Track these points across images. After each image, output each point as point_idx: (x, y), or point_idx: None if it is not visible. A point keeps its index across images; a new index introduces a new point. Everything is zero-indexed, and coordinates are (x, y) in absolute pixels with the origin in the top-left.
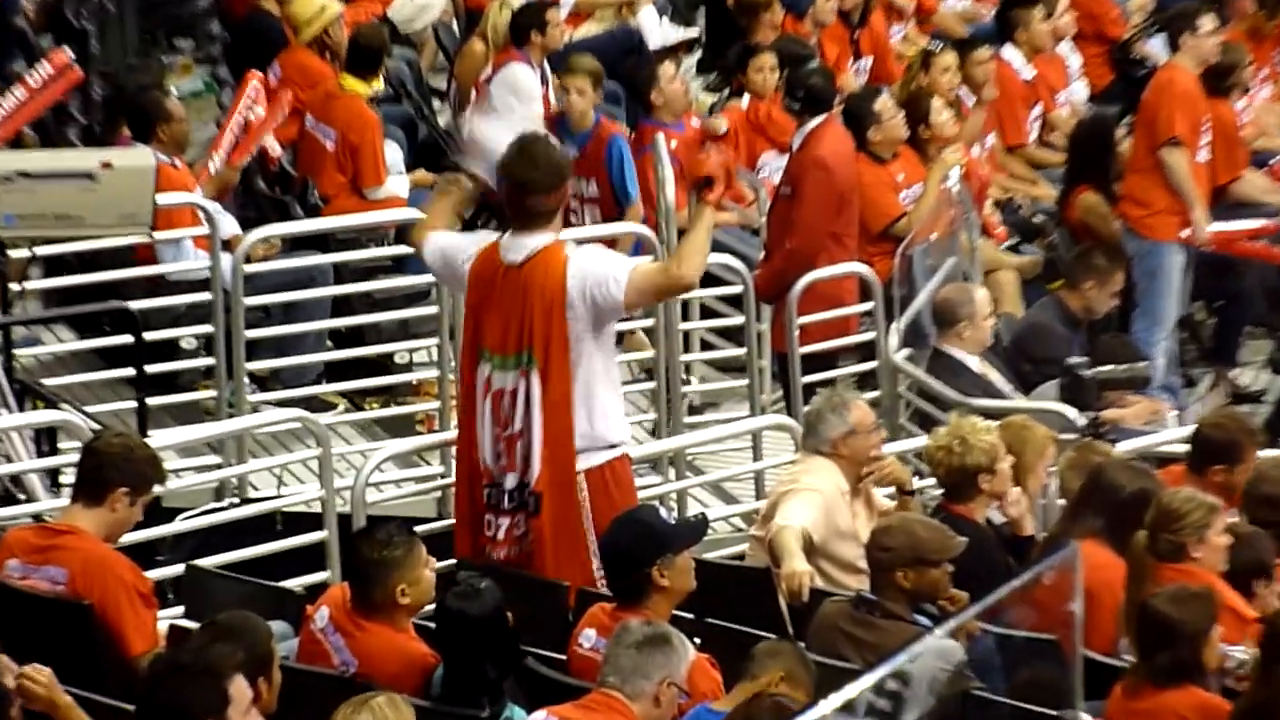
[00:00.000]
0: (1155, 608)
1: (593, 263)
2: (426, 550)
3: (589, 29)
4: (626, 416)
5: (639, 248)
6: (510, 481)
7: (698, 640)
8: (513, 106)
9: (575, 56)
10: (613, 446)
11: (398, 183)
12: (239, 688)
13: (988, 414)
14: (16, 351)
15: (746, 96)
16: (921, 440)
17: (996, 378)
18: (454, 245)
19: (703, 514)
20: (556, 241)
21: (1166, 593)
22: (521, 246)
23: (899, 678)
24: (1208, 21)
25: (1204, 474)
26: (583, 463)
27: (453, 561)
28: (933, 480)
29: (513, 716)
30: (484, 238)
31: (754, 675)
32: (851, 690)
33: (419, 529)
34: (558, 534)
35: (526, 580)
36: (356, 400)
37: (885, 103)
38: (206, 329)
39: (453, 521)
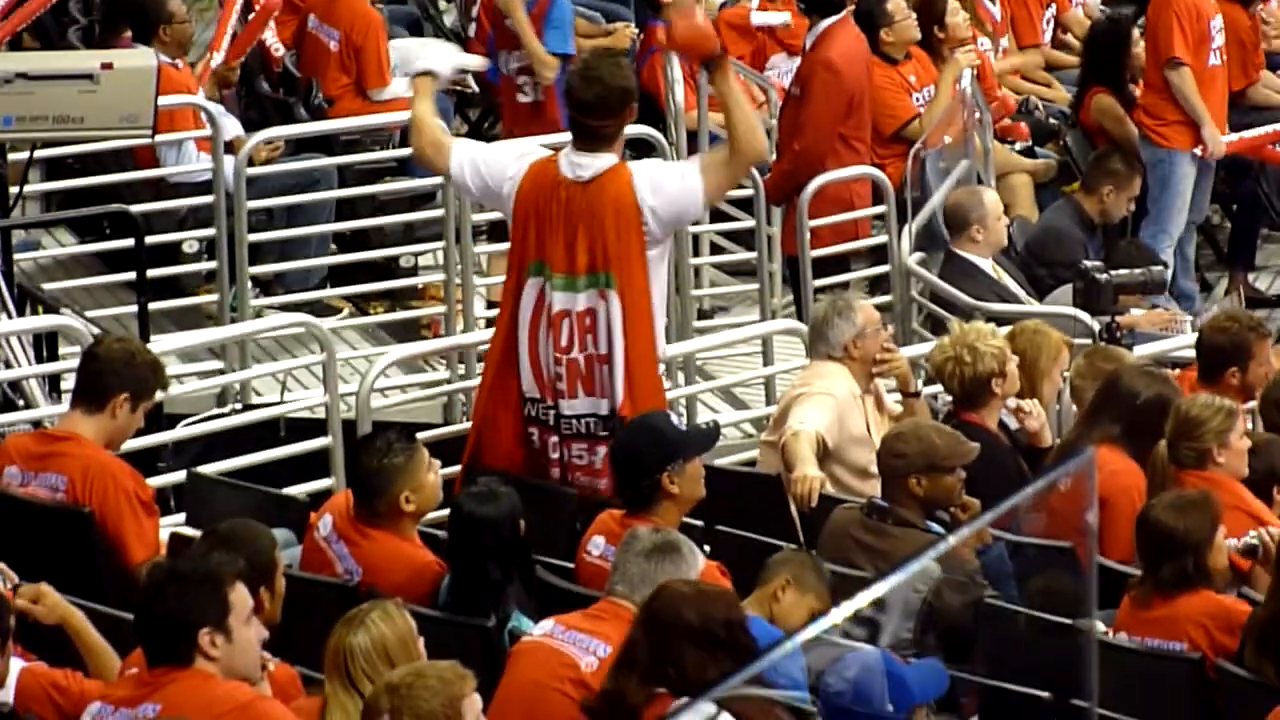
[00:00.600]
0: (1155, 518)
1: (659, 172)
2: (431, 456)
3: None
4: None
5: None
6: (580, 407)
7: (707, 548)
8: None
9: None
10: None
11: (403, 84)
12: (239, 596)
13: (1001, 319)
14: (16, 255)
15: None
16: (932, 345)
17: (1010, 281)
18: (491, 162)
19: (714, 421)
20: (620, 161)
21: (1165, 501)
22: (587, 165)
23: (875, 603)
24: None
25: (1219, 380)
26: None
27: (458, 467)
28: (939, 387)
29: (519, 625)
30: (527, 151)
31: (763, 582)
32: (863, 599)
33: (424, 435)
34: None
35: (533, 487)
36: (361, 304)
37: (898, 3)
38: (209, 232)
39: (461, 427)
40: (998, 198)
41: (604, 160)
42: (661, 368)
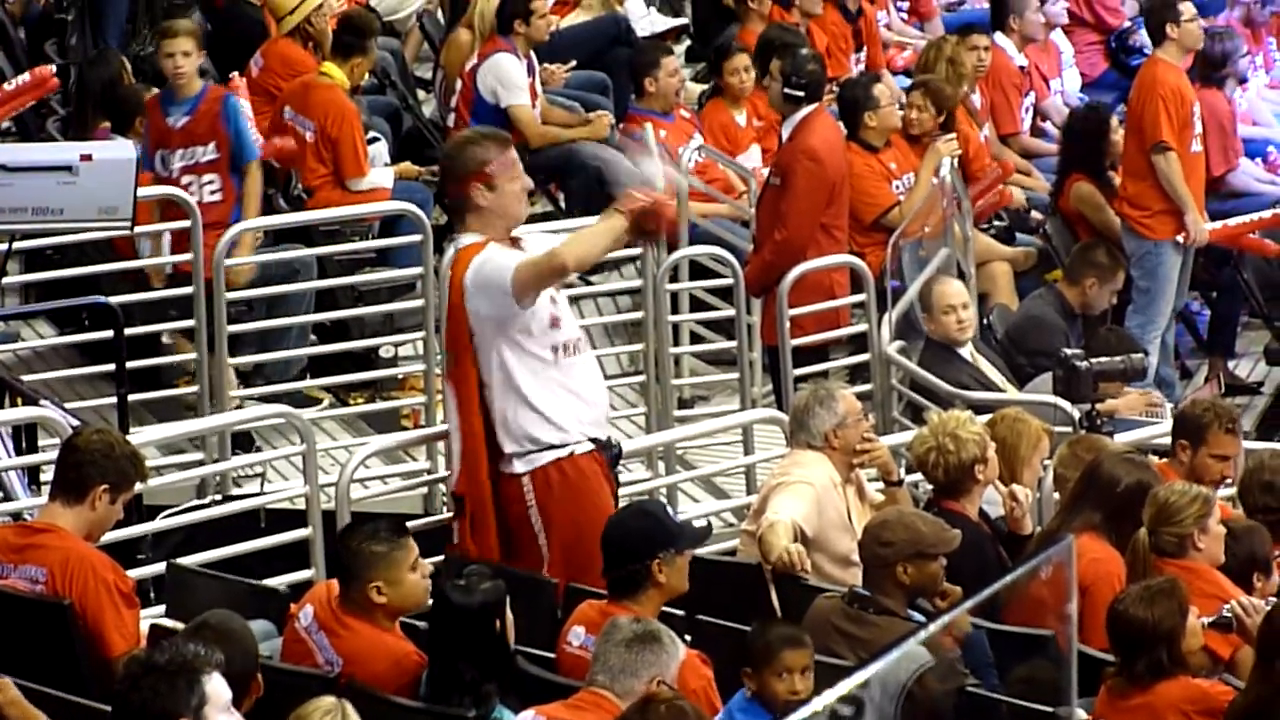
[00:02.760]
0: (1124, 611)
1: (492, 258)
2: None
3: (576, 17)
4: (597, 409)
5: None
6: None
7: (689, 637)
8: (499, 96)
9: (173, 21)
10: (553, 446)
11: (382, 174)
12: (215, 687)
13: (981, 407)
14: None
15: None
16: (913, 434)
17: (989, 369)
18: None
19: (709, 522)
20: (476, 241)
21: (1133, 595)
22: (453, 245)
23: (863, 685)
24: (1189, 8)
25: (1174, 452)
26: (523, 465)
27: (440, 558)
28: (919, 475)
29: (501, 717)
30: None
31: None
32: (845, 685)
33: (412, 524)
34: (477, 536)
35: (513, 576)
36: (341, 395)
37: (883, 89)
38: (188, 323)
39: (440, 518)
40: (955, 289)
41: (462, 239)
42: (567, 443)
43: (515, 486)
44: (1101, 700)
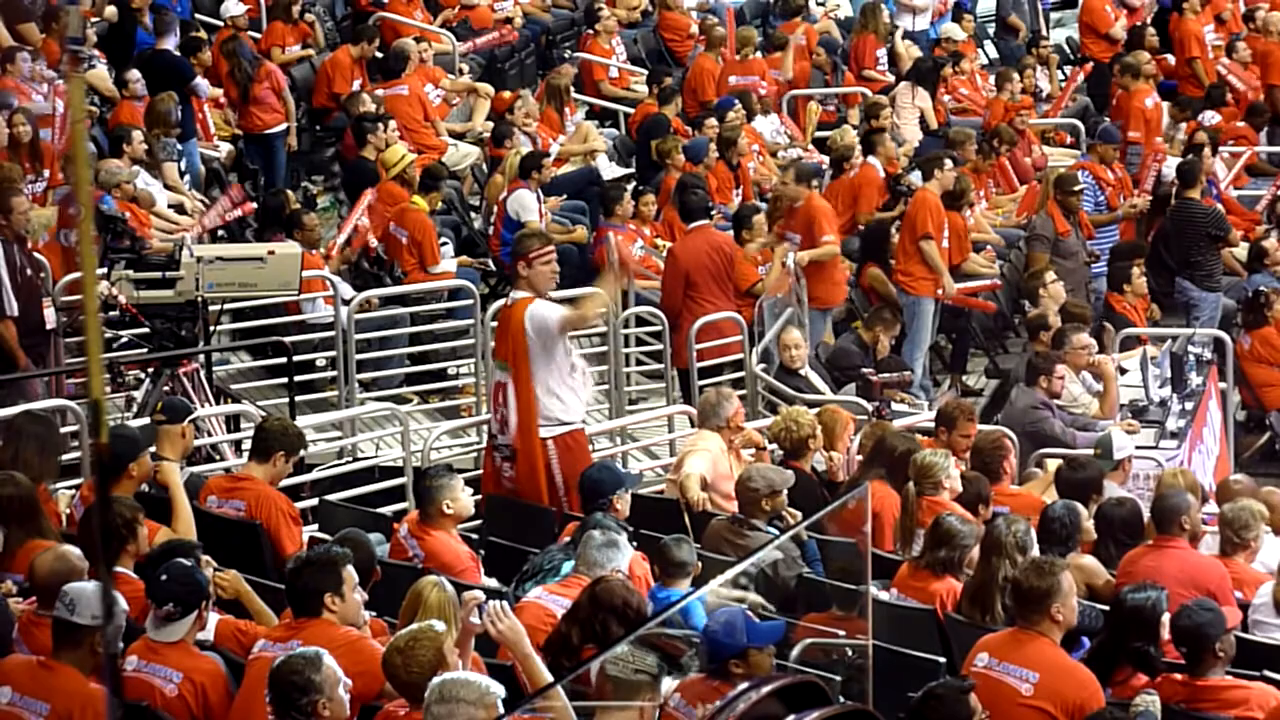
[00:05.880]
0: (944, 520)
1: (540, 310)
2: (466, 484)
3: (567, 169)
4: (586, 405)
5: None
6: (502, 440)
7: (635, 544)
8: (520, 216)
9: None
10: (567, 423)
11: (449, 263)
12: (349, 574)
13: (812, 403)
14: (215, 368)
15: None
16: (770, 420)
17: (815, 379)
18: None
19: (641, 472)
20: (526, 296)
21: (955, 518)
22: (510, 297)
23: (740, 578)
24: (947, 162)
25: (936, 434)
26: (549, 431)
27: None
28: (774, 445)
29: (524, 591)
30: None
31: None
32: (731, 572)
33: (462, 475)
34: (524, 472)
35: (529, 507)
36: (424, 396)
37: (759, 219)
38: (332, 354)
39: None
40: (788, 337)
41: (515, 294)
42: (573, 422)
43: (543, 446)
44: (901, 574)
